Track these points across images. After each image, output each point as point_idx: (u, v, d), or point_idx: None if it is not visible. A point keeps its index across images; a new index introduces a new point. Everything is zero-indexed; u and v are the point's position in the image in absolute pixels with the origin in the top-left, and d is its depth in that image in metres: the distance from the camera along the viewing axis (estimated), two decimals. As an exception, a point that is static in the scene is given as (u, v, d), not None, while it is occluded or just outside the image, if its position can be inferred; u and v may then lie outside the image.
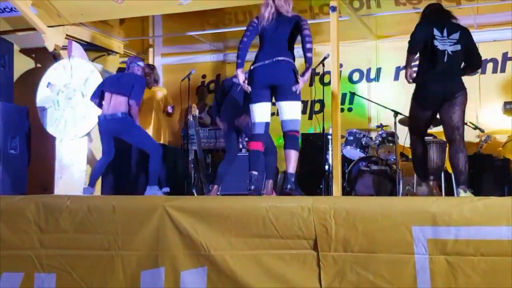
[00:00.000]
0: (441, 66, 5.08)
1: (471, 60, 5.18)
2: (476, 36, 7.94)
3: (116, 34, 8.66)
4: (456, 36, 5.10)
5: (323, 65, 6.99)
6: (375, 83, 8.59)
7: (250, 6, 8.15)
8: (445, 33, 5.10)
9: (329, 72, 7.12)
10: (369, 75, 8.67)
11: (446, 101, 5.08)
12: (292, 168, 5.07)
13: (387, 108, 7.26)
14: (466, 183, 5.05)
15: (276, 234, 3.97)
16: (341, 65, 7.39)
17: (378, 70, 8.59)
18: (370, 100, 8.25)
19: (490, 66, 8.11)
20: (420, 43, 5.12)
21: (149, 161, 6.58)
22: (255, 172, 5.12)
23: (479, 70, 5.61)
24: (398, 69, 8.42)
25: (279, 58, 5.07)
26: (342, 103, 8.39)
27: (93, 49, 8.33)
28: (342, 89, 7.92)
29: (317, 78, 8.37)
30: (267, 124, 5.25)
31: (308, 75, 5.03)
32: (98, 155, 7.26)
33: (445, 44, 5.07)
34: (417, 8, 7.74)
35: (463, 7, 7.68)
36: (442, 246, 3.67)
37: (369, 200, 4.26)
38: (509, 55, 8.04)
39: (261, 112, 5.17)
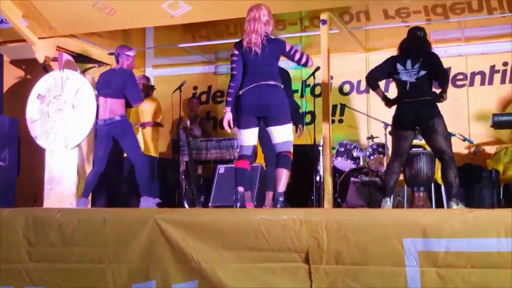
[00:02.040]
0: (406, 95, 5.41)
1: (439, 76, 5.42)
2: (464, 49, 8.22)
3: (107, 45, 8.64)
4: (418, 64, 5.38)
5: (314, 77, 7.03)
6: (365, 94, 8.64)
7: (241, 18, 8.16)
8: (408, 65, 5.42)
9: (320, 84, 7.18)
10: (359, 87, 8.73)
11: (423, 129, 5.37)
12: (282, 187, 5.06)
13: (378, 120, 7.29)
14: (457, 196, 5.15)
15: (267, 247, 3.97)
16: (331, 77, 7.43)
17: (367, 83, 8.64)
18: (361, 112, 8.29)
19: (478, 78, 8.20)
20: (374, 80, 5.69)
21: (136, 173, 6.67)
22: (241, 189, 5.11)
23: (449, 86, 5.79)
24: (388, 81, 8.45)
25: (265, 82, 5.08)
26: (333, 114, 8.43)
27: (84, 61, 8.31)
28: (333, 100, 7.95)
29: (308, 89, 8.40)
30: (254, 146, 5.32)
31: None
32: (89, 167, 7.27)
33: (408, 75, 5.40)
34: (406, 21, 7.82)
35: (450, 21, 7.75)
36: (433, 258, 3.70)
37: (361, 212, 4.28)
38: (496, 68, 8.14)
39: (249, 136, 5.20)
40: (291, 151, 5.20)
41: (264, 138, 5.66)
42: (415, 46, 5.56)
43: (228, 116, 5.18)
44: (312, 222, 3.90)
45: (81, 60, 8.22)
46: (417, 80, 5.36)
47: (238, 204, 5.03)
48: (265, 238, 3.98)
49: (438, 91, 5.47)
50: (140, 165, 6.66)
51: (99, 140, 6.73)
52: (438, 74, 5.40)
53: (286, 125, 5.12)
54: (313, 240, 3.88)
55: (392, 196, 5.51)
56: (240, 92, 5.16)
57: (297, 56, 5.20)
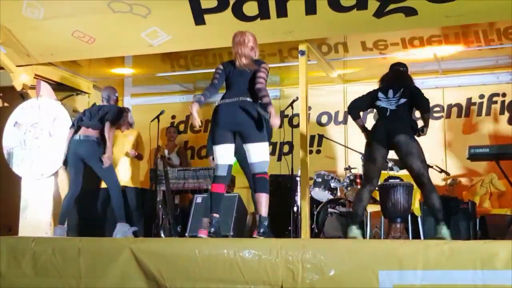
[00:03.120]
0: (384, 120, 5.48)
1: (420, 105, 5.51)
2: (441, 81, 8.32)
3: (85, 74, 8.63)
4: (399, 93, 5.48)
5: (292, 108, 7.06)
6: (343, 125, 8.69)
7: (220, 48, 8.24)
8: (390, 94, 5.52)
9: (297, 115, 7.21)
10: (337, 118, 8.77)
11: (399, 152, 5.39)
12: (264, 211, 5.02)
13: (355, 151, 7.32)
14: (445, 220, 5.17)
15: (242, 279, 3.94)
16: (309, 108, 7.47)
17: (346, 113, 8.70)
18: (338, 143, 8.33)
19: (454, 110, 8.30)
20: (356, 110, 5.70)
21: (112, 198, 6.70)
22: (216, 215, 5.06)
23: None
24: (365, 113, 8.51)
25: (242, 98, 5.09)
26: (311, 145, 8.46)
27: (62, 89, 8.28)
28: (311, 131, 7.97)
29: (286, 120, 8.43)
30: (230, 166, 5.26)
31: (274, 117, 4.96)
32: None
33: (388, 103, 5.49)
34: (384, 53, 7.92)
35: (427, 52, 7.86)
36: (408, 291, 3.69)
37: (337, 243, 4.27)
38: (473, 100, 8.24)
39: (224, 153, 5.17)
40: (267, 171, 5.16)
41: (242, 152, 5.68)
42: (397, 79, 5.66)
43: (195, 108, 5.06)
44: (289, 253, 3.89)
45: (59, 89, 8.20)
46: (396, 107, 5.44)
47: (213, 230, 4.97)
48: (240, 270, 3.95)
49: (419, 122, 5.52)
50: (116, 190, 6.73)
51: (70, 159, 6.75)
52: (420, 103, 5.48)
53: (262, 143, 5.10)
54: (288, 272, 3.86)
55: (358, 224, 5.48)
56: (217, 103, 5.20)
57: (257, 85, 5.05)
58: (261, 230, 4.93)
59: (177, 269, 4.07)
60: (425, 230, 6.59)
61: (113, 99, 7.13)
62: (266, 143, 5.18)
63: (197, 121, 5.11)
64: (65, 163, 6.84)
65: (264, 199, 5.05)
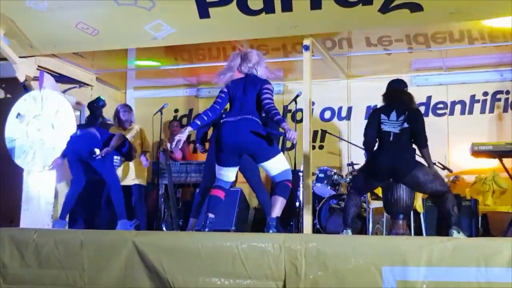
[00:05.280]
0: (388, 145, 5.41)
1: (416, 140, 5.46)
2: (445, 78, 8.30)
3: (89, 66, 8.61)
4: (403, 117, 5.42)
5: (296, 103, 7.05)
6: (346, 121, 8.68)
7: (223, 42, 8.22)
8: (393, 117, 5.46)
9: (301, 110, 7.19)
10: (340, 113, 8.76)
11: (404, 183, 5.44)
12: (276, 213, 4.98)
13: (358, 147, 7.31)
14: (457, 224, 5.18)
15: (244, 274, 3.93)
16: (313, 103, 7.45)
17: (349, 109, 8.71)
18: (341, 138, 8.33)
19: (458, 108, 8.29)
20: (372, 143, 5.56)
21: (111, 195, 6.71)
22: (211, 215, 5.06)
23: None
24: (369, 108, 8.52)
25: (247, 116, 5.03)
26: (314, 140, 8.44)
27: (65, 81, 8.26)
28: (314, 126, 7.96)
29: (289, 115, 8.42)
30: (232, 182, 5.30)
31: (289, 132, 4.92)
32: (67, 188, 7.20)
33: (391, 126, 5.43)
34: (388, 49, 7.90)
35: (432, 50, 7.84)
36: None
37: (341, 239, 4.26)
38: (476, 98, 8.22)
39: (228, 174, 5.17)
40: (290, 179, 5.12)
41: (245, 164, 5.67)
42: (397, 98, 5.63)
43: (183, 136, 4.98)
44: (292, 248, 3.88)
45: (62, 80, 8.18)
46: (400, 131, 5.40)
47: (207, 230, 4.98)
48: (243, 264, 3.95)
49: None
50: (116, 186, 6.77)
51: (69, 155, 6.78)
52: (418, 136, 5.43)
53: (277, 156, 5.05)
54: (291, 266, 3.85)
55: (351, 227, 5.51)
56: (222, 121, 5.14)
57: (266, 106, 5.00)
58: (270, 231, 4.88)
59: (179, 263, 4.07)
60: (427, 227, 6.60)
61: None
62: (281, 154, 5.14)
63: (173, 147, 5.04)
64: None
65: (280, 202, 5.02)
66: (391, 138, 5.40)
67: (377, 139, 5.52)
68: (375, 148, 5.55)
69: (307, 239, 4.02)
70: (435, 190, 5.28)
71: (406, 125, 5.40)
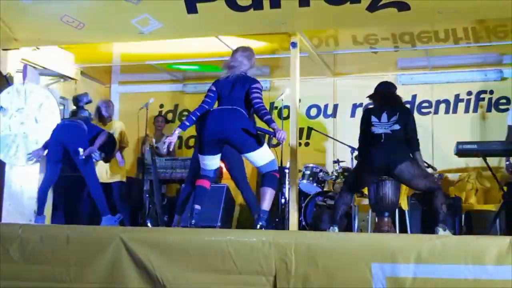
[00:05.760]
0: (380, 145, 5.42)
1: (409, 143, 5.49)
2: (430, 77, 8.37)
3: (73, 59, 8.53)
4: (395, 117, 5.46)
5: (282, 100, 7.04)
6: (332, 119, 8.70)
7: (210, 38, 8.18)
8: (384, 118, 5.48)
9: (287, 107, 7.19)
10: (326, 111, 8.79)
11: (399, 181, 5.48)
12: (266, 205, 4.99)
13: (344, 144, 7.33)
14: (444, 222, 5.20)
15: (234, 269, 3.93)
16: (299, 100, 7.45)
17: (335, 107, 8.73)
18: (328, 136, 8.34)
19: (442, 107, 8.36)
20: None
21: (91, 193, 6.72)
22: (198, 206, 5.08)
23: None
24: (355, 106, 8.57)
25: (234, 107, 5.04)
26: (300, 137, 8.44)
27: (49, 74, 8.17)
28: (300, 124, 7.95)
29: (275, 112, 8.43)
30: (217, 169, 5.31)
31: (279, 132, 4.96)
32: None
33: (383, 127, 5.46)
34: (374, 48, 7.92)
35: (418, 49, 7.88)
36: (400, 284, 3.71)
37: (330, 235, 4.27)
38: (460, 97, 8.30)
39: (211, 163, 5.18)
40: (277, 169, 5.13)
41: (230, 161, 5.66)
42: (388, 100, 5.67)
43: (174, 139, 5.06)
44: (282, 244, 3.88)
45: (46, 74, 8.09)
46: (392, 132, 5.43)
47: (193, 221, 5.00)
48: (232, 260, 3.94)
49: None
50: (94, 182, 6.72)
51: (51, 144, 6.78)
52: (411, 140, 5.48)
53: (261, 148, 5.04)
54: (281, 263, 3.85)
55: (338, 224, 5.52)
56: (210, 109, 5.15)
57: (255, 106, 5.03)
58: (259, 223, 4.90)
59: (168, 259, 4.04)
60: (411, 224, 6.65)
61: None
62: (266, 145, 5.14)
63: (164, 150, 5.15)
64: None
65: (269, 193, 5.02)
66: (383, 139, 5.43)
67: (369, 142, 5.53)
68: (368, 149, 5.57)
69: (296, 235, 4.03)
70: (428, 187, 5.30)
71: (397, 126, 5.43)
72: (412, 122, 5.53)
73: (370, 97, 5.89)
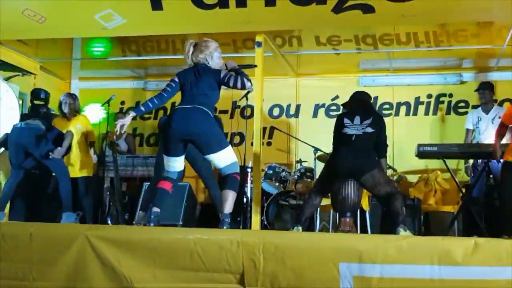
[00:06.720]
0: (350, 146, 5.48)
1: (378, 148, 5.58)
2: (391, 80, 8.49)
3: (33, 54, 8.35)
4: (368, 121, 5.54)
5: (247, 99, 7.04)
6: (294, 119, 8.74)
7: (173, 35, 8.14)
8: (357, 120, 5.56)
9: (250, 106, 7.20)
10: (289, 111, 8.82)
11: (362, 184, 5.49)
12: (228, 208, 4.91)
13: (307, 144, 7.37)
14: (404, 223, 5.27)
15: (203, 267, 3.91)
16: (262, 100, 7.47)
17: (298, 107, 8.77)
18: (290, 135, 8.38)
19: (403, 109, 8.49)
20: None
21: (60, 186, 6.57)
22: (157, 209, 4.97)
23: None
24: (317, 107, 8.63)
25: (199, 106, 4.94)
26: (262, 137, 8.43)
27: (7, 69, 7.98)
28: (262, 123, 7.97)
29: (237, 111, 8.43)
30: (180, 172, 5.18)
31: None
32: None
33: (354, 129, 5.52)
34: (337, 49, 8.01)
35: (380, 51, 8.00)
36: (367, 283, 3.74)
37: (298, 235, 4.29)
38: (421, 100, 8.44)
39: (175, 164, 5.07)
40: (238, 171, 5.06)
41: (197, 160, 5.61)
42: (362, 105, 5.76)
43: (126, 121, 4.93)
44: (249, 244, 3.87)
45: (5, 68, 7.89)
46: (363, 134, 5.49)
47: (152, 225, 4.89)
48: (200, 259, 3.91)
49: None
50: (65, 177, 6.67)
51: (11, 146, 6.62)
52: (380, 145, 5.57)
53: (225, 149, 4.97)
54: (249, 261, 3.85)
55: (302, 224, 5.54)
56: (174, 108, 5.08)
57: (231, 82, 5.02)
58: (224, 227, 4.85)
59: (135, 257, 3.99)
60: (372, 225, 6.73)
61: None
62: (229, 146, 5.05)
63: (116, 132, 5.02)
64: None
65: (231, 196, 4.94)
66: (353, 139, 5.48)
67: (340, 142, 5.58)
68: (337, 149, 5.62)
69: (264, 235, 4.02)
70: (389, 191, 5.37)
71: (370, 129, 5.50)
72: (384, 128, 5.63)
73: (344, 105, 5.97)
